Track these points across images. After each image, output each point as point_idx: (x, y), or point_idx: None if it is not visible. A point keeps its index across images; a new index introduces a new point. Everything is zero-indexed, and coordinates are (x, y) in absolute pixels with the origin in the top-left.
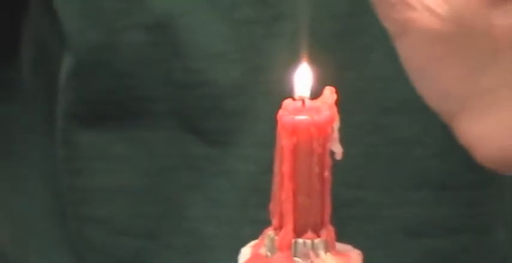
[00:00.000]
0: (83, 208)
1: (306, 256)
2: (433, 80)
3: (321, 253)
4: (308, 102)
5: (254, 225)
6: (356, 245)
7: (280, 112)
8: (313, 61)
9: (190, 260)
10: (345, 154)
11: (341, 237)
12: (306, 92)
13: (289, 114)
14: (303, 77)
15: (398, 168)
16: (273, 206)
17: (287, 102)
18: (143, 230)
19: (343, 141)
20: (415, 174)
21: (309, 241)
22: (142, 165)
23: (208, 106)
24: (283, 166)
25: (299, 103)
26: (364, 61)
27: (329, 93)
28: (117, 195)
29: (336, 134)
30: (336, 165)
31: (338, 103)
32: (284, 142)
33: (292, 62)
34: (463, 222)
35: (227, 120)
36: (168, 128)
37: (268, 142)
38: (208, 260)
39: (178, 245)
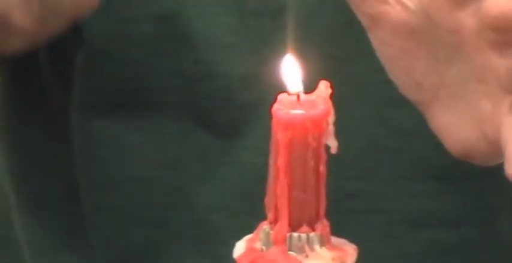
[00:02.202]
0: (93, 197)
1: (301, 250)
2: (405, 71)
3: (316, 247)
4: (303, 96)
5: (262, 216)
6: (359, 237)
7: (275, 106)
8: (317, 53)
9: (198, 249)
10: (348, 146)
11: (344, 229)
12: (300, 86)
13: (284, 108)
14: (295, 71)
15: (401, 160)
16: (268, 200)
17: (282, 96)
18: (152, 220)
19: (345, 133)
20: (418, 165)
21: (304, 235)
22: (153, 155)
23: (218, 98)
24: (278, 160)
25: (294, 97)
26: (366, 54)
27: (324, 87)
28: (127, 184)
29: (331, 128)
30: (339, 157)
31: (341, 95)
32: (279, 136)
33: (298, 53)
34: (467, 213)
35: (237, 112)
36: (179, 119)
37: None
38: (217, 250)
39: (187, 235)
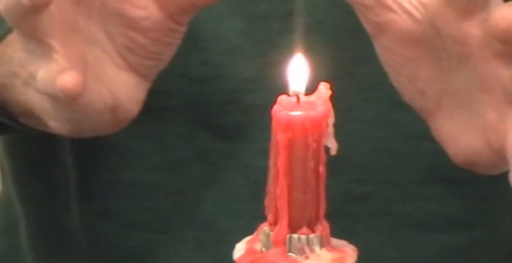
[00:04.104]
0: (95, 202)
1: (300, 252)
2: (409, 79)
3: (316, 248)
4: (303, 97)
5: (266, 219)
6: (367, 240)
7: (275, 108)
8: (325, 56)
9: (202, 253)
10: (356, 149)
11: (352, 232)
12: (304, 87)
13: (284, 109)
14: (301, 72)
15: (409, 163)
16: (268, 202)
17: (282, 97)
18: (155, 224)
19: (353, 136)
20: (426, 169)
21: (303, 237)
22: (156, 159)
23: (224, 100)
24: (278, 161)
25: (294, 99)
26: (375, 57)
27: (324, 89)
28: (129, 189)
29: (330, 129)
30: (346, 160)
31: (349, 98)
32: (279, 137)
33: (307, 56)
34: (474, 217)
35: (242, 115)
36: (183, 122)
37: None
38: (221, 253)
39: (190, 238)
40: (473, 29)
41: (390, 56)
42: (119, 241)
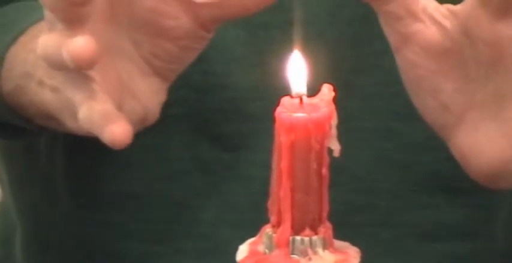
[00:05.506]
0: (94, 212)
1: (303, 253)
2: (431, 93)
3: (319, 250)
4: (306, 99)
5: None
6: (369, 250)
7: (278, 109)
8: (325, 66)
9: None
10: (357, 159)
11: (354, 243)
12: (303, 89)
13: (287, 111)
14: (299, 73)
15: (410, 173)
16: (271, 204)
17: (285, 99)
18: (155, 234)
19: (354, 146)
20: (427, 179)
21: (306, 238)
22: (155, 170)
23: (225, 110)
24: (281, 163)
25: (297, 100)
26: (376, 66)
27: (327, 90)
28: (129, 199)
29: (333, 131)
30: (347, 170)
31: (350, 108)
32: (282, 139)
33: (307, 66)
34: (475, 226)
35: (243, 125)
36: (183, 132)
37: None
38: None
39: (189, 249)
40: (507, 29)
41: (413, 70)
42: (118, 252)
